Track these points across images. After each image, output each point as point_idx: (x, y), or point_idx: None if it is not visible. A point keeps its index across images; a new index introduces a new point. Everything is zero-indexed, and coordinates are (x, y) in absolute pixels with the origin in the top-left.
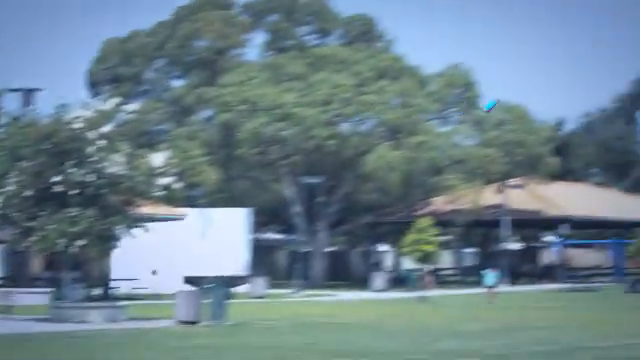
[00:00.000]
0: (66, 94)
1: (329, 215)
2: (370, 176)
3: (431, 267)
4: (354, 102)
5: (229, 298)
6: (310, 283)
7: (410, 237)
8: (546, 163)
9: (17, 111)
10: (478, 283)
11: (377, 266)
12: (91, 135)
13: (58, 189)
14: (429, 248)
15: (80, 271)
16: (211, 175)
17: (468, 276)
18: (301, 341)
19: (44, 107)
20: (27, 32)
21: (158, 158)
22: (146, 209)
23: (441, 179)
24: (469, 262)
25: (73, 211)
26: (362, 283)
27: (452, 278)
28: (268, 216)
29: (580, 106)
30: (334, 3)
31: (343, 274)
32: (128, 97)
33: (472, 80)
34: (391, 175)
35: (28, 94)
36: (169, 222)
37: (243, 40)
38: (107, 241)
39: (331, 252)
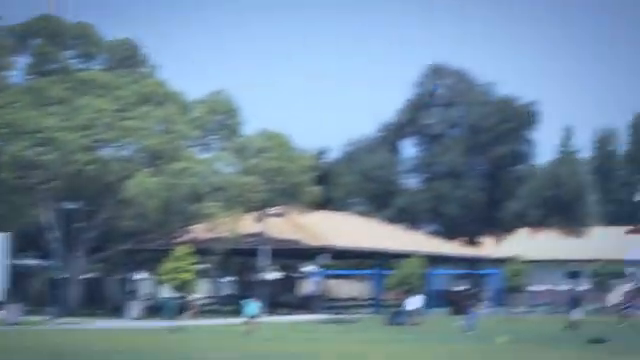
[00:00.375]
0: None
1: (87, 241)
2: (130, 202)
3: (195, 296)
4: (115, 127)
5: None
6: (66, 310)
7: (168, 265)
8: (306, 192)
9: None
10: (235, 312)
11: (133, 294)
12: None
13: None
14: (187, 276)
15: None
16: None
17: (225, 305)
18: None
19: None
20: None
21: None
22: None
23: (201, 206)
24: (226, 291)
25: None
26: (118, 311)
27: (209, 307)
28: (25, 241)
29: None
30: (99, 27)
31: (99, 301)
32: None
33: (234, 107)
34: (150, 201)
35: None
36: None
37: (7, 63)
38: None
39: (88, 279)
